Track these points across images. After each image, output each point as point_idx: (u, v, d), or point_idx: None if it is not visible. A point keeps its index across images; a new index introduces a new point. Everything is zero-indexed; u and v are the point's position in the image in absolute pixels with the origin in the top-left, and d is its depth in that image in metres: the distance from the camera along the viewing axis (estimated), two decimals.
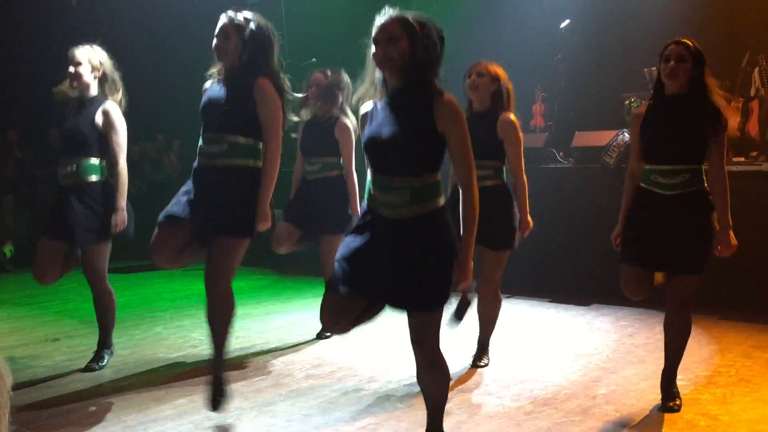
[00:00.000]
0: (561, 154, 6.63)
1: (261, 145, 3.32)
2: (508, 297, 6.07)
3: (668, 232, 3.27)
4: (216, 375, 3.38)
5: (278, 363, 4.36)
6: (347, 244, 2.65)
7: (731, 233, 3.31)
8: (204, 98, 3.39)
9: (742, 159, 6.22)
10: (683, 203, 3.27)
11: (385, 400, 3.65)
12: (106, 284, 4.17)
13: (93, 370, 4.15)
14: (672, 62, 3.25)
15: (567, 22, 7.15)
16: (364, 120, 2.69)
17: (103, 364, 4.21)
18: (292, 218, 4.77)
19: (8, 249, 8.39)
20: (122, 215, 4.00)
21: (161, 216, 3.28)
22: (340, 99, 4.70)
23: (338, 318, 2.64)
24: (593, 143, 6.21)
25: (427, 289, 2.54)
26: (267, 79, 3.26)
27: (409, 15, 2.53)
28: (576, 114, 7.40)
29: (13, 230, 8.56)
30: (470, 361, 4.17)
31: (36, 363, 4.42)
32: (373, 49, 2.53)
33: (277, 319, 5.49)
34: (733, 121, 6.60)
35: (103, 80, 4.06)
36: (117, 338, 4.44)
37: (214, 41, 3.29)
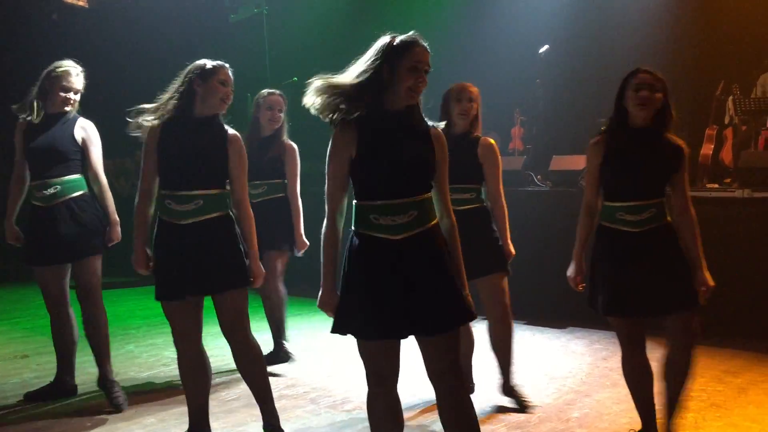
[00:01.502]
0: (539, 177, 6.69)
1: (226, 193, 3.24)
2: (484, 319, 6.07)
3: (647, 272, 3.06)
4: (268, 423, 3.36)
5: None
6: (352, 288, 2.50)
7: (708, 274, 3.11)
8: (161, 145, 3.13)
9: (716, 185, 6.31)
10: (654, 238, 3.07)
11: (359, 421, 3.63)
12: (101, 301, 4.02)
13: (121, 409, 3.87)
14: (644, 91, 3.00)
15: (546, 47, 7.25)
16: (347, 135, 2.48)
17: (122, 397, 3.94)
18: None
19: None
20: (118, 229, 3.98)
21: (167, 298, 3.14)
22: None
23: (383, 376, 2.55)
24: (570, 167, 6.28)
25: (449, 306, 2.47)
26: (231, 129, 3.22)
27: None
28: (554, 138, 7.50)
29: None
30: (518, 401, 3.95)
31: (4, 380, 4.34)
32: (396, 66, 2.42)
33: (260, 338, 5.43)
34: (706, 148, 6.72)
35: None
36: (87, 356, 4.36)
37: (226, 90, 3.17)
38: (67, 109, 3.95)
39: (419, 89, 2.47)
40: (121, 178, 9.26)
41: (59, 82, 3.89)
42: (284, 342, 4.70)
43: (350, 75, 2.47)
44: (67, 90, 3.91)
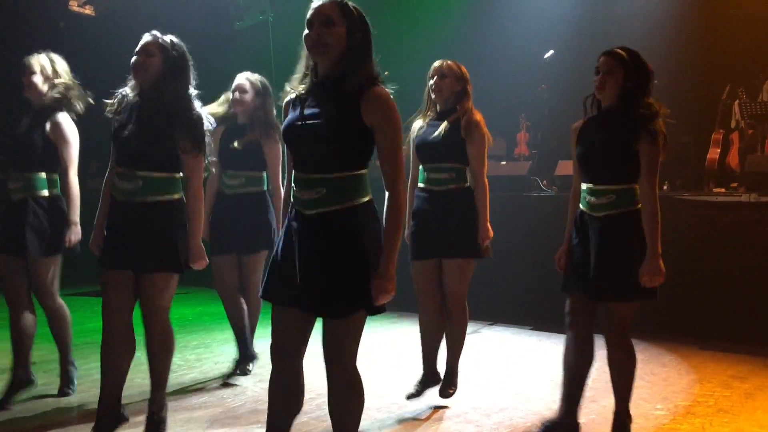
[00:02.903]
0: (544, 182, 6.69)
1: (179, 176, 3.22)
2: (490, 324, 6.08)
3: (596, 257, 3.10)
4: (152, 412, 3.35)
5: (257, 388, 4.32)
6: (276, 252, 2.49)
7: (660, 261, 3.04)
8: (115, 123, 3.24)
9: (723, 190, 6.30)
10: (609, 225, 3.08)
11: (363, 428, 3.62)
12: (57, 300, 4.02)
13: (67, 394, 4.07)
14: (600, 74, 3.09)
15: (551, 53, 7.26)
16: (286, 109, 2.47)
17: (75, 385, 4.13)
18: (223, 247, 4.36)
19: None
20: (76, 230, 3.88)
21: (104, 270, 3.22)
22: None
23: (279, 350, 2.49)
24: None
25: (339, 292, 2.31)
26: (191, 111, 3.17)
27: (349, 1, 2.39)
28: (559, 143, 7.49)
29: None
30: (437, 390, 3.95)
31: None
32: (305, 32, 2.35)
33: (256, 345, 5.43)
34: (713, 153, 6.71)
35: (59, 89, 3.91)
36: (95, 362, 4.36)
37: (134, 58, 3.16)
38: (28, 94, 3.88)
39: (312, 44, 2.32)
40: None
41: (22, 69, 3.89)
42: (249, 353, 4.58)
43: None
44: (28, 73, 3.86)
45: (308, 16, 2.35)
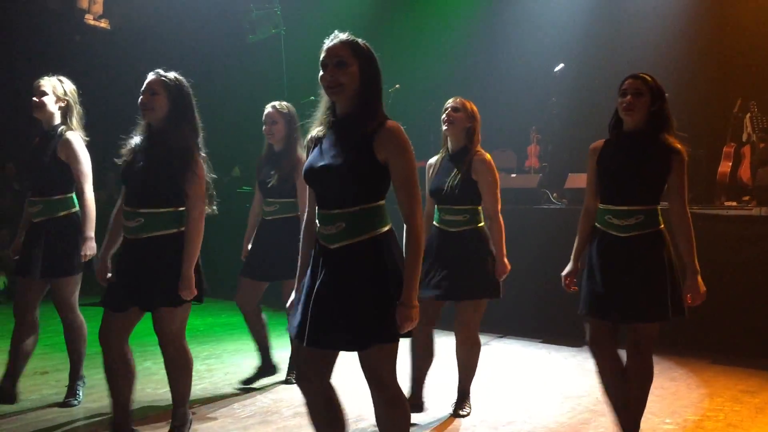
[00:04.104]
0: (554, 194, 6.69)
1: (182, 210, 3.26)
2: (500, 337, 6.07)
3: (624, 279, 3.10)
4: (174, 426, 3.45)
5: (266, 400, 4.34)
6: (300, 287, 2.57)
7: (700, 279, 3.14)
8: (124, 165, 3.32)
9: (734, 203, 6.28)
10: (638, 246, 3.11)
11: None
12: (77, 315, 4.12)
13: (72, 405, 4.12)
14: (629, 96, 3.12)
15: (561, 66, 7.28)
16: (308, 148, 2.57)
17: (80, 398, 4.18)
18: (253, 273, 4.49)
19: (1, 281, 8.39)
20: (91, 244, 3.93)
21: (105, 305, 3.28)
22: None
23: (303, 376, 2.55)
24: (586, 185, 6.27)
25: (370, 322, 2.37)
26: (196, 149, 3.24)
27: (359, 39, 2.45)
28: (569, 156, 7.50)
29: (6, 263, 8.57)
30: (451, 409, 4.02)
31: (23, 396, 4.38)
32: (321, 73, 2.43)
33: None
34: (724, 166, 6.69)
35: (67, 111, 4.01)
36: (100, 373, 4.39)
37: (140, 98, 3.23)
38: (37, 116, 3.96)
39: (327, 84, 2.40)
40: None
41: (32, 90, 3.97)
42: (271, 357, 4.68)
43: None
44: (38, 94, 3.93)
45: (321, 57, 2.43)
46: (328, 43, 2.44)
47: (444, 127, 3.86)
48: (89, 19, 10.03)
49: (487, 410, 4.09)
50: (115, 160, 3.36)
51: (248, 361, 5.24)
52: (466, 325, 3.91)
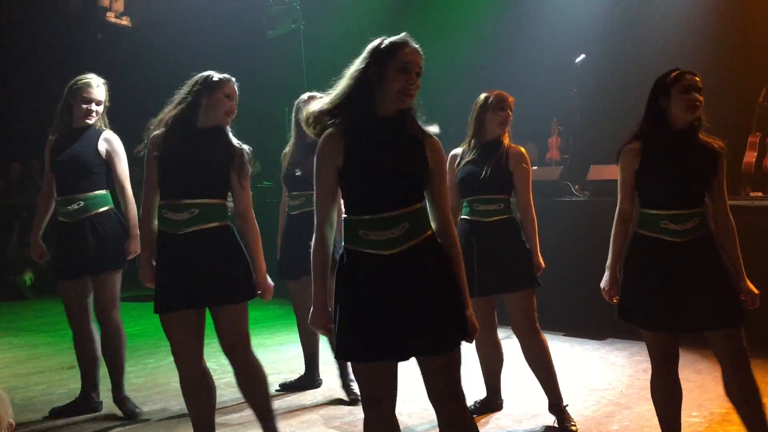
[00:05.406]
0: (576, 187, 6.64)
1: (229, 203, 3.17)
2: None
3: (692, 286, 2.90)
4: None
5: (290, 394, 4.36)
6: (347, 308, 2.35)
7: (749, 282, 2.99)
8: (161, 155, 3.11)
9: (759, 194, 6.20)
10: (697, 250, 2.93)
11: None
12: (116, 318, 4.01)
13: (135, 416, 3.97)
14: (695, 93, 2.92)
15: (582, 57, 7.21)
16: (334, 143, 2.36)
17: (134, 407, 4.03)
18: (288, 273, 4.34)
19: (28, 277, 8.51)
20: (137, 242, 3.89)
21: (165, 310, 3.06)
22: None
23: (378, 400, 2.39)
24: (608, 176, 6.21)
25: (453, 321, 2.32)
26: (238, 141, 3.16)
27: None
28: (591, 147, 7.43)
29: (32, 259, 8.69)
30: (475, 405, 3.93)
31: (51, 390, 4.46)
32: (396, 73, 2.31)
33: (290, 350, 5.48)
34: (749, 156, 6.60)
35: (102, 112, 4.03)
36: (130, 366, 4.45)
37: (231, 104, 3.15)
38: (89, 121, 3.95)
39: (410, 91, 2.32)
40: None
41: (80, 94, 3.92)
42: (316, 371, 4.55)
43: (336, 89, 2.39)
44: (88, 101, 3.92)
45: (406, 59, 2.32)
46: (404, 43, 2.35)
47: (498, 130, 3.76)
48: (110, 16, 10.12)
49: (511, 404, 4.08)
50: (138, 153, 3.22)
51: (271, 354, 5.27)
52: (521, 319, 3.76)
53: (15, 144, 9.55)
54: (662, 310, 2.92)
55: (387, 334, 2.28)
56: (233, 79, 3.18)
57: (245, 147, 3.17)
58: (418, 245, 2.33)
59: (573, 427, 3.67)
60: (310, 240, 4.18)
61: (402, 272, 2.30)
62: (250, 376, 3.18)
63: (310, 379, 4.51)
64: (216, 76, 3.12)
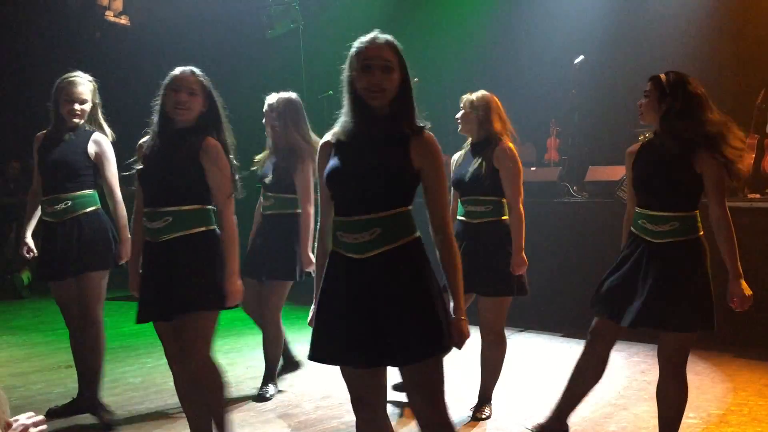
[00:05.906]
0: (575, 188, 6.65)
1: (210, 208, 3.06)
2: (521, 331, 6.05)
3: (647, 283, 2.97)
4: None
5: (288, 393, 4.36)
6: (323, 309, 2.32)
7: (744, 283, 2.99)
8: (144, 161, 3.05)
9: (757, 195, 6.20)
10: (671, 253, 2.97)
11: None
12: (101, 319, 3.89)
13: (111, 427, 3.83)
14: (641, 99, 3.08)
15: (581, 58, 7.21)
16: (325, 151, 2.36)
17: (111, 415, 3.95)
18: (251, 271, 4.19)
19: (26, 276, 8.49)
20: (127, 246, 3.79)
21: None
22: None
23: (364, 402, 2.36)
24: (607, 178, 6.23)
25: (414, 335, 2.21)
26: (212, 138, 3.01)
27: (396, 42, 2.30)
28: (589, 149, 7.44)
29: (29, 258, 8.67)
30: (470, 413, 3.91)
31: (49, 389, 4.45)
32: (357, 72, 2.25)
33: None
34: (748, 158, 6.60)
35: (92, 112, 3.92)
36: (129, 366, 4.45)
37: (176, 95, 2.97)
38: (76, 120, 3.83)
39: (373, 87, 2.23)
40: None
41: (63, 92, 3.82)
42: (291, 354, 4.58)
43: None
44: (72, 101, 3.80)
45: (365, 56, 2.25)
46: (367, 41, 2.28)
47: (466, 128, 3.82)
48: (109, 15, 10.10)
49: (509, 405, 4.08)
50: (132, 165, 3.12)
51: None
52: (489, 328, 3.79)
53: (13, 142, 9.54)
54: (609, 294, 3.08)
55: (352, 339, 2.23)
56: (187, 68, 3.03)
57: (214, 141, 3.01)
58: (393, 251, 2.25)
59: (483, 417, 3.85)
60: (278, 243, 4.03)
61: (371, 278, 2.25)
62: (198, 387, 3.09)
63: (289, 362, 4.56)
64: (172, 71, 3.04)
